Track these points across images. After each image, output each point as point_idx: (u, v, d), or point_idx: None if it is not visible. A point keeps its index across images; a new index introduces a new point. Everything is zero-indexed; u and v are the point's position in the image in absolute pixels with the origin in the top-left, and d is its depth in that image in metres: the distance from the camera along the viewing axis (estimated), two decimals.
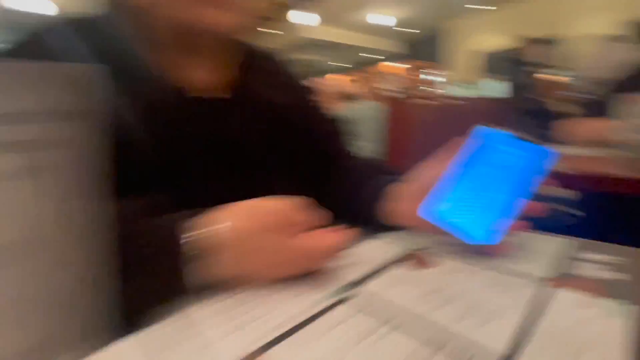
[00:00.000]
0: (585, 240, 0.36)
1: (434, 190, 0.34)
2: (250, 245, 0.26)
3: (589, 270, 0.30)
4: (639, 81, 1.05)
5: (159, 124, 0.35)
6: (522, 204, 0.31)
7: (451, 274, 0.30)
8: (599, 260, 0.31)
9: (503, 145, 0.34)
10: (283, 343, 0.22)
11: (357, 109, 2.50)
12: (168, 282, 0.25)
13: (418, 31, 8.08)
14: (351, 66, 9.39)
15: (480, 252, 0.32)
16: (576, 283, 0.27)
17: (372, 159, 0.49)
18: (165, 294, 0.25)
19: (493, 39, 7.48)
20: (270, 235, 0.27)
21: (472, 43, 7.73)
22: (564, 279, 0.28)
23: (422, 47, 8.44)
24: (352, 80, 3.65)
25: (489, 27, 7.46)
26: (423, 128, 1.67)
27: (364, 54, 9.07)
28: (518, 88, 2.63)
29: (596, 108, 1.15)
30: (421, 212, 0.33)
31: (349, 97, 2.76)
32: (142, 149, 0.33)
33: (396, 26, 7.74)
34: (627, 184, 0.67)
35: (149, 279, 0.25)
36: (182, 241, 0.26)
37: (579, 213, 1.16)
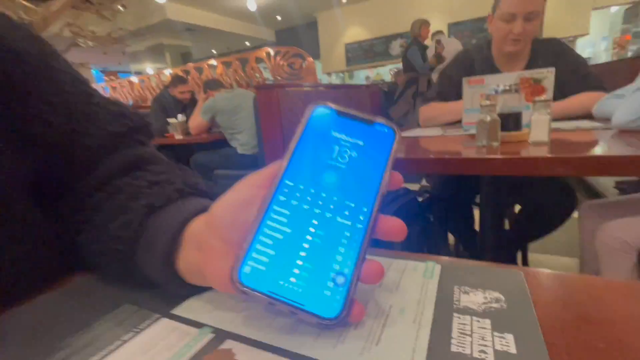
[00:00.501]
0: (454, 261, 0.27)
1: (248, 230, 0.19)
2: None
3: (471, 343, 0.19)
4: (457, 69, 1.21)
5: None
6: (373, 225, 0.20)
7: None
8: (478, 309, 0.21)
9: (340, 133, 0.22)
10: None
11: (226, 98, 2.26)
12: None
13: (280, 18, 8.16)
14: (224, 53, 8.87)
15: (324, 328, 0.20)
16: None
17: (175, 174, 0.30)
18: None
19: (353, 31, 8.17)
20: None
21: (337, 34, 8.27)
22: None
23: (291, 36, 8.57)
24: (218, 67, 3.33)
25: (348, 20, 8.09)
26: (292, 116, 1.59)
27: (238, 41, 8.66)
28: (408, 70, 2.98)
29: (432, 94, 1.28)
30: (234, 277, 0.19)
31: (218, 85, 2.48)
32: None
33: (266, 13, 7.60)
34: (465, 164, 0.70)
35: None
36: None
37: (428, 190, 1.26)
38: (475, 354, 0.17)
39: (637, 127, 0.69)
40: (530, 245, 1.31)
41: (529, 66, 1.13)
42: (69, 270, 0.29)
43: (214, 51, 9.32)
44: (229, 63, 3.30)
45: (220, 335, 0.20)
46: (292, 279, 0.19)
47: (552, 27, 5.68)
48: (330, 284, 0.19)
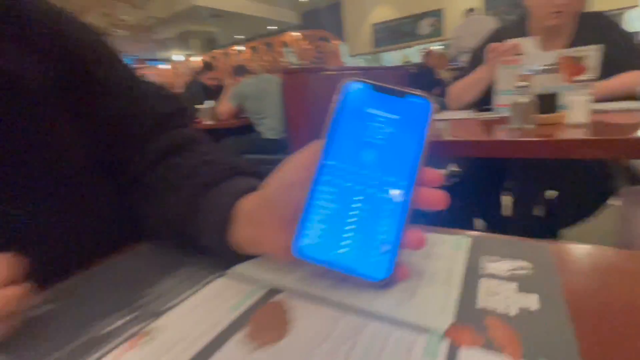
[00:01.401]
0: (483, 235, 0.29)
1: (300, 206, 0.22)
2: None
3: (497, 301, 0.21)
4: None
5: None
6: (414, 197, 0.22)
7: (314, 345, 0.18)
8: (504, 274, 0.23)
9: (375, 109, 0.23)
10: None
11: (252, 84, 2.30)
12: None
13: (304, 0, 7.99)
14: (247, 38, 8.88)
15: (374, 288, 0.22)
16: (485, 330, 0.18)
17: (224, 157, 0.33)
18: None
19: (382, 11, 7.88)
20: None
21: (364, 14, 8.02)
22: (468, 324, 0.19)
23: (317, 19, 8.41)
24: (246, 53, 3.36)
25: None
26: (319, 100, 1.59)
27: (261, 25, 8.63)
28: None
29: (462, 75, 1.23)
30: (293, 250, 0.22)
31: (244, 70, 2.52)
32: None
33: None
34: (499, 147, 0.68)
35: None
36: None
37: (459, 170, 1.25)
38: (500, 310, 0.19)
39: None
40: (563, 233, 1.27)
41: (574, 44, 1.05)
42: (132, 239, 0.34)
43: (239, 36, 9.37)
44: (255, 48, 3.32)
45: (272, 291, 0.23)
46: (343, 248, 0.21)
47: None
48: (378, 251, 0.21)
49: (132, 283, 0.26)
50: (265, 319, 0.21)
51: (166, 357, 0.18)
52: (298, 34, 3.07)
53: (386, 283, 0.21)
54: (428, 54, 1.91)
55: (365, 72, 1.94)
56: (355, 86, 0.24)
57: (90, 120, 0.32)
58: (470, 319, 0.19)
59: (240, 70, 2.52)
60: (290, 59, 2.88)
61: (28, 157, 0.28)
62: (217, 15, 7.50)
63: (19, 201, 0.28)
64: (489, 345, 0.17)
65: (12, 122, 0.27)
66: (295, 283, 0.24)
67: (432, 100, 0.23)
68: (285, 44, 3.03)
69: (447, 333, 0.18)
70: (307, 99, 1.68)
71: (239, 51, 3.46)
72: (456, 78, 1.28)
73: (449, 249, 0.27)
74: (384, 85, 0.24)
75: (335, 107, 0.24)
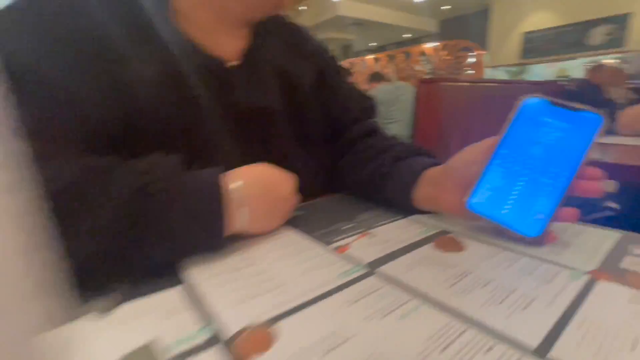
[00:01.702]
0: (631, 233, 0.32)
1: (476, 178, 0.31)
2: (259, 203, 0.31)
3: (637, 266, 0.27)
4: None
5: (180, 87, 0.35)
6: (572, 186, 0.28)
7: (483, 259, 0.28)
8: None
9: (549, 118, 0.30)
10: (295, 316, 0.21)
11: (386, 90, 2.42)
12: (210, 228, 0.28)
13: (448, 7, 7.60)
14: (383, 45, 9.09)
15: (525, 243, 0.30)
16: (623, 277, 0.24)
17: (408, 143, 0.46)
18: (204, 243, 0.28)
19: (537, 17, 6.91)
20: (271, 195, 0.33)
21: (514, 21, 7.19)
22: (609, 272, 0.25)
23: (456, 26, 7.97)
24: (382, 60, 3.51)
25: (533, 4, 6.87)
26: (452, 111, 1.59)
27: (397, 33, 8.71)
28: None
29: None
30: (466, 204, 0.31)
31: (380, 77, 2.67)
32: (162, 109, 0.34)
33: (433, 2, 7.32)
34: None
35: (190, 225, 0.27)
36: (221, 192, 0.28)
37: (616, 206, 1.08)
38: None
39: None
40: None
41: None
42: (327, 190, 0.48)
43: (372, 44, 9.71)
44: (392, 56, 3.45)
45: (443, 231, 0.34)
46: (506, 210, 0.29)
47: None
48: (533, 217, 0.28)
49: (343, 212, 0.40)
50: (445, 241, 0.31)
51: (383, 246, 0.31)
52: (437, 43, 3.04)
53: (535, 241, 0.28)
54: (598, 68, 1.62)
55: (506, 85, 1.81)
56: (533, 100, 0.31)
57: (324, 108, 0.48)
58: (611, 271, 0.25)
59: (376, 77, 2.68)
60: (427, 67, 2.89)
61: (299, 130, 0.45)
62: (358, 23, 7.95)
63: (295, 155, 0.45)
64: (624, 282, 0.23)
65: (294, 110, 0.44)
66: (459, 228, 0.34)
67: (605, 117, 0.28)
68: (423, 53, 3.05)
69: (589, 272, 0.25)
70: (440, 109, 1.69)
71: (376, 59, 3.65)
72: (633, 101, 1.11)
73: (599, 235, 0.32)
74: (560, 101, 0.30)
75: (514, 114, 0.32)
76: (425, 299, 0.22)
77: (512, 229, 0.29)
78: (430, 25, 8.69)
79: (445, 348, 0.18)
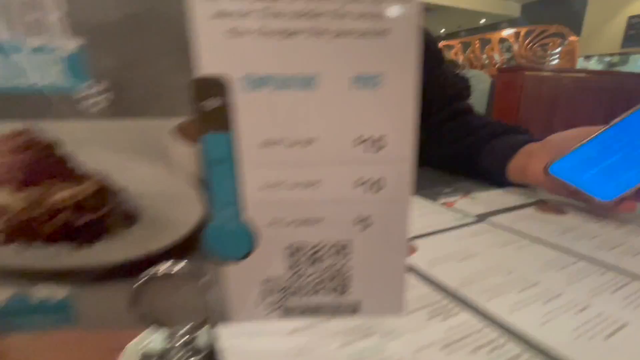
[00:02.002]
0: None
1: (566, 151, 0.34)
2: None
3: None
4: None
5: None
6: None
7: (586, 221, 0.31)
8: None
9: None
10: (427, 238, 0.27)
11: None
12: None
13: None
14: (454, 32, 8.55)
15: (605, 208, 0.32)
16: None
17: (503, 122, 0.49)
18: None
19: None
20: None
21: (622, 4, 6.22)
22: None
23: (542, 10, 7.14)
24: (458, 48, 3.34)
25: None
26: (533, 101, 1.49)
27: (473, 18, 8.11)
28: None
29: None
30: (550, 168, 0.34)
31: (455, 65, 2.56)
32: None
33: None
34: None
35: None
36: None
37: None
38: None
39: None
40: None
41: None
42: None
43: (443, 30, 9.18)
44: (468, 43, 3.26)
45: (543, 200, 0.37)
46: (585, 177, 0.32)
47: None
48: (611, 185, 0.31)
49: (439, 179, 0.45)
50: (547, 206, 0.35)
51: (487, 205, 0.35)
52: (519, 29, 2.80)
53: (609, 205, 0.30)
54: None
55: (600, 77, 1.62)
56: None
57: (430, 86, 0.53)
58: None
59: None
60: (505, 56, 2.69)
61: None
62: (428, 9, 7.56)
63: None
64: None
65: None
66: (558, 198, 0.36)
67: None
68: (503, 40, 2.83)
69: None
70: (519, 99, 1.60)
71: (448, 47, 3.48)
72: None
73: None
74: None
75: (629, 113, 0.33)
76: (537, 240, 0.27)
77: (590, 193, 0.32)
78: (511, 9, 7.93)
79: (562, 268, 0.23)
